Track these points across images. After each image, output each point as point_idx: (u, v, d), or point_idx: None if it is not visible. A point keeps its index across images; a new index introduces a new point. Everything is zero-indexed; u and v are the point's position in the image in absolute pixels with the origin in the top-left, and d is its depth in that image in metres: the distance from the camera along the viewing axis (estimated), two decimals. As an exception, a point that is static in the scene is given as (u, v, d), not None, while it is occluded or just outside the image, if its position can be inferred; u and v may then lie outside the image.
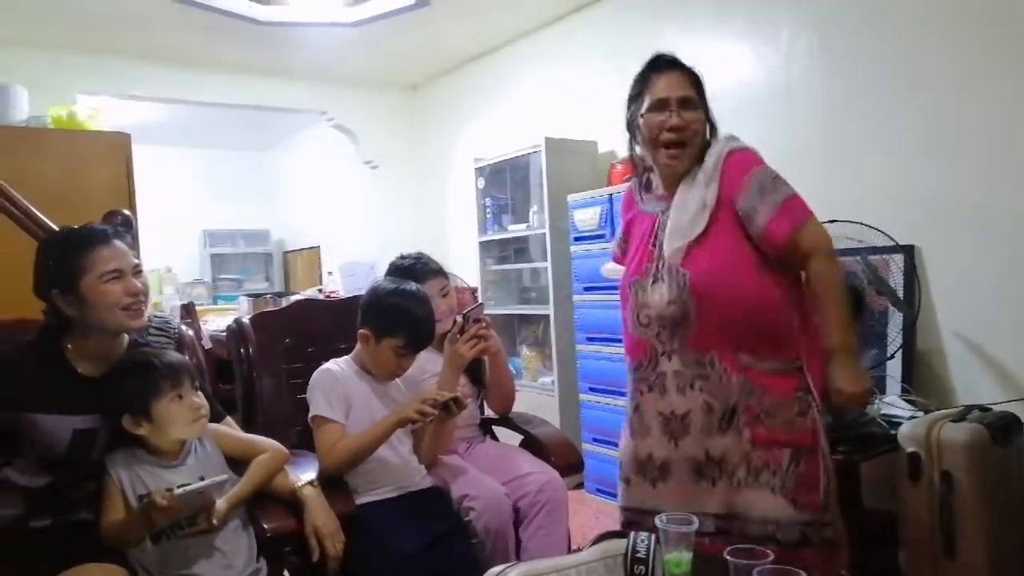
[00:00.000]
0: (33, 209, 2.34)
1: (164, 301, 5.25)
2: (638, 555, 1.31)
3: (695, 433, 1.71)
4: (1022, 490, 2.20)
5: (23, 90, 3.47)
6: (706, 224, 1.70)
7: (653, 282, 1.75)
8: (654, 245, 1.78)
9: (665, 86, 1.73)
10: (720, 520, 1.69)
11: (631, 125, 1.82)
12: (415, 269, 2.30)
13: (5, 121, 3.35)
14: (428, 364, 2.26)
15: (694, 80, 1.77)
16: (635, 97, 1.80)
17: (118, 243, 1.66)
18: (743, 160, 1.73)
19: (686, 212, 1.72)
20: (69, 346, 1.64)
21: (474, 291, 4.25)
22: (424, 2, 3.93)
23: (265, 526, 1.69)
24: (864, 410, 1.76)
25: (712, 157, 1.74)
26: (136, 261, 1.67)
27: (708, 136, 1.79)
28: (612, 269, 2.15)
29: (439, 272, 2.36)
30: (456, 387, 2.11)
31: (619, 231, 2.01)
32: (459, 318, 2.16)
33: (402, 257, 2.38)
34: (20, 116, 3.41)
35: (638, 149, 1.85)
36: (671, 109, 1.72)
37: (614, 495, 3.51)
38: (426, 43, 4.73)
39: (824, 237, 1.69)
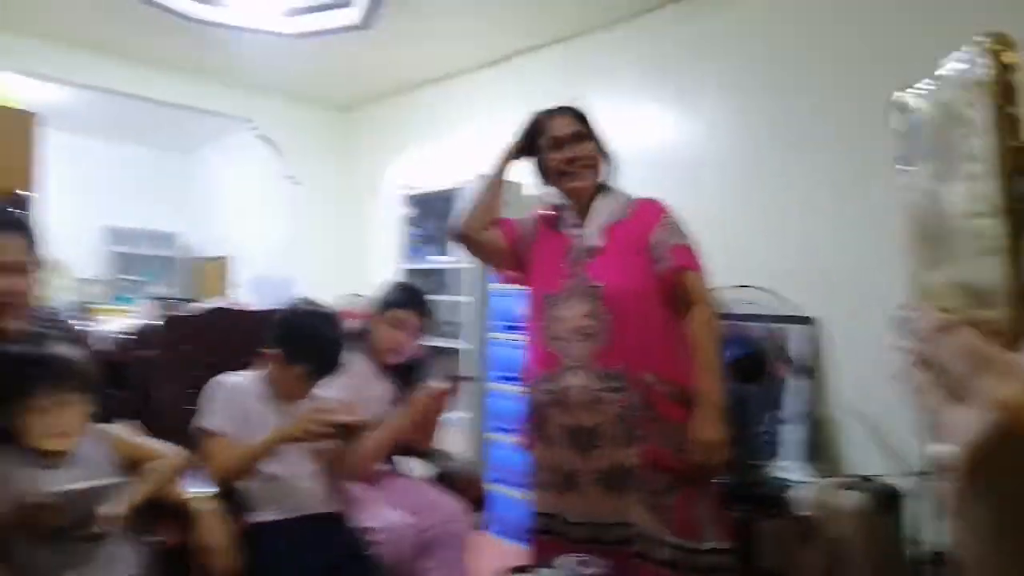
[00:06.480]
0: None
1: (53, 296, 4.93)
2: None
3: (606, 446, 1.77)
4: (901, 555, 2.32)
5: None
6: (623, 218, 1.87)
7: (568, 298, 1.84)
8: (567, 263, 1.89)
9: (557, 126, 1.95)
10: (624, 528, 1.75)
11: (539, 169, 2.02)
12: (416, 295, 2.33)
13: None
14: (364, 388, 2.20)
15: (579, 117, 1.97)
16: (533, 144, 2.01)
17: None
18: (655, 204, 1.92)
19: (607, 208, 1.91)
20: None
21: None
22: (368, 24, 3.89)
23: (151, 539, 1.59)
24: (722, 464, 1.74)
25: (624, 197, 1.94)
26: (12, 258, 1.55)
27: (606, 165, 1.97)
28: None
29: (426, 313, 2.35)
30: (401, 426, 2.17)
31: (519, 227, 2.08)
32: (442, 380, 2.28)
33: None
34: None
35: (549, 188, 2.03)
36: (567, 144, 1.92)
37: (518, 537, 3.48)
38: (365, 66, 4.68)
39: (707, 290, 1.85)
